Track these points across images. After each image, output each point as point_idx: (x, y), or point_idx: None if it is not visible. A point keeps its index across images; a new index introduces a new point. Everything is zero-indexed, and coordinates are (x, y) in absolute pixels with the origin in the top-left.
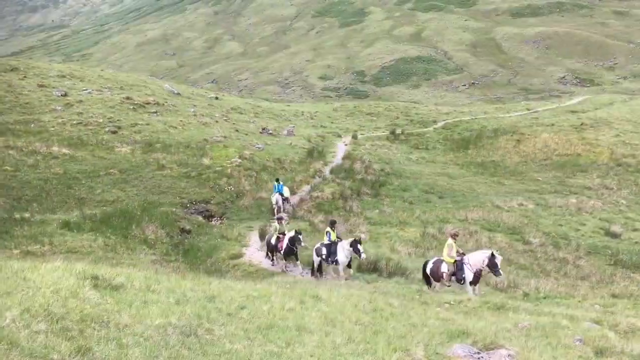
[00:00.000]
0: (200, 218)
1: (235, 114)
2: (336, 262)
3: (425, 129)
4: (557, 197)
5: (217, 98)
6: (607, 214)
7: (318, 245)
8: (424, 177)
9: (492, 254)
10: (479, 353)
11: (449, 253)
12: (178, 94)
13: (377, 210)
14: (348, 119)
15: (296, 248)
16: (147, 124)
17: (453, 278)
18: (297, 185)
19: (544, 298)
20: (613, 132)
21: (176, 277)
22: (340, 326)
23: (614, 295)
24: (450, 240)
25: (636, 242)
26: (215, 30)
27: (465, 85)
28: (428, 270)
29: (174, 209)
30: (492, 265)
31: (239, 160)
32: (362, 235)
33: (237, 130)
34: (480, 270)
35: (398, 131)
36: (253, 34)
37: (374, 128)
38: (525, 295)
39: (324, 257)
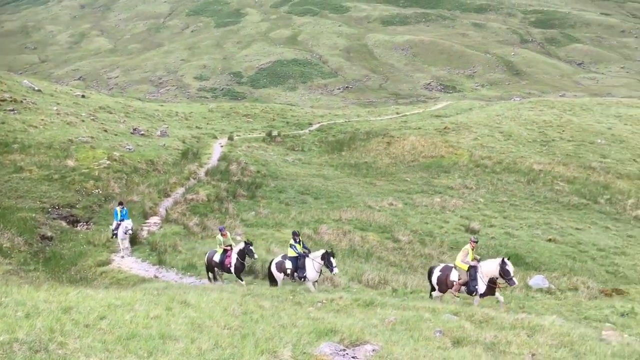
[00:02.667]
0: (63, 224)
1: (104, 114)
2: (304, 278)
3: (301, 131)
4: (423, 197)
5: (83, 96)
6: (467, 212)
7: (279, 259)
8: (299, 179)
9: (503, 260)
10: (344, 350)
11: (463, 259)
12: (39, 90)
13: (253, 212)
14: (224, 120)
15: (246, 263)
16: (3, 123)
17: (463, 289)
18: (170, 188)
19: (411, 293)
20: (472, 135)
21: (29, 288)
22: (208, 331)
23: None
24: (467, 246)
25: (492, 237)
26: (82, 25)
27: (340, 89)
28: (434, 279)
29: (33, 215)
30: (504, 272)
31: (108, 162)
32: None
33: (105, 131)
34: (496, 279)
35: (274, 133)
36: (124, 30)
37: (251, 130)
38: (394, 291)
39: (288, 272)
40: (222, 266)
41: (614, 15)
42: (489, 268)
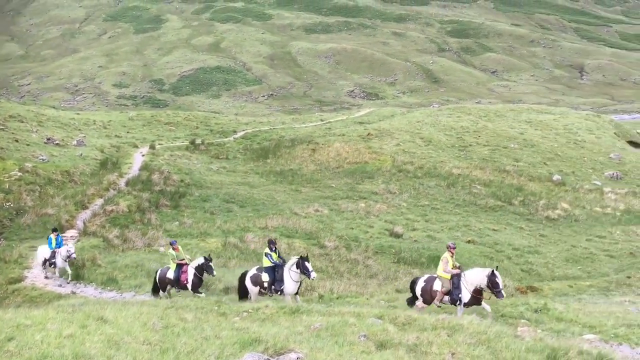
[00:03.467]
0: None
1: (15, 123)
2: (282, 291)
3: (226, 139)
4: (348, 202)
5: None
6: (391, 216)
7: (254, 271)
8: (224, 187)
9: (493, 272)
10: (269, 359)
11: (444, 268)
12: None
13: (177, 222)
14: (145, 128)
15: (202, 279)
16: None
17: (446, 298)
18: (88, 199)
19: (337, 298)
20: (394, 141)
21: None
22: (126, 348)
23: (397, 291)
24: (446, 254)
25: (415, 241)
26: None
27: (264, 96)
28: (418, 290)
29: None
30: (493, 284)
31: (19, 174)
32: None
33: (17, 141)
34: (481, 290)
35: (198, 141)
36: (36, 35)
37: (173, 138)
38: (321, 297)
39: (264, 285)
40: (178, 283)
41: (523, 26)
42: (475, 277)
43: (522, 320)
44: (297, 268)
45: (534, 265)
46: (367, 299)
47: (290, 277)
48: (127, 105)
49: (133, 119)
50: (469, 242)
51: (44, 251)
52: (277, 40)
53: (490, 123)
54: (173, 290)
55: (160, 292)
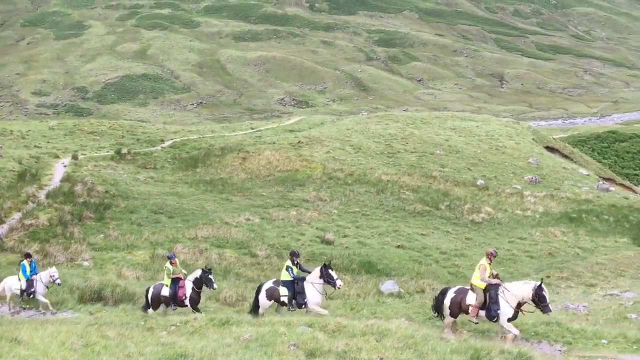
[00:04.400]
0: None
1: None
2: (306, 304)
3: (153, 148)
4: (280, 211)
5: None
6: (322, 223)
7: (270, 284)
8: (152, 198)
9: (540, 285)
10: None
11: (481, 276)
12: None
13: (102, 235)
14: (67, 138)
15: (201, 293)
16: None
17: (481, 313)
18: (5, 213)
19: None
20: (325, 149)
21: None
22: None
23: (330, 298)
24: (484, 261)
25: (346, 247)
26: None
27: (193, 104)
28: (447, 301)
29: None
30: (540, 298)
31: None
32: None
33: None
34: (521, 304)
35: (124, 151)
36: None
37: (98, 148)
38: None
39: (284, 300)
40: (175, 299)
41: (446, 36)
42: (519, 291)
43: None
44: (320, 278)
45: (461, 267)
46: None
47: (315, 289)
48: (47, 114)
49: (54, 128)
50: (398, 247)
51: (13, 282)
52: (205, 47)
53: (417, 130)
54: (168, 309)
55: (150, 310)
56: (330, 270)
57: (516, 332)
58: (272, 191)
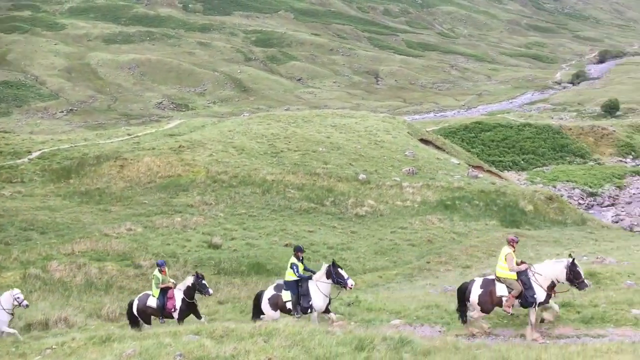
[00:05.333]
0: None
1: None
2: (311, 308)
3: (19, 161)
4: (163, 218)
5: None
6: (208, 228)
7: (272, 291)
8: (21, 214)
9: (573, 262)
10: None
11: (510, 266)
12: None
13: None
14: None
15: (196, 301)
16: None
17: (516, 302)
18: None
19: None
20: (207, 152)
21: None
22: None
23: (220, 302)
24: (506, 249)
25: (234, 250)
26: None
27: (63, 111)
28: (474, 297)
29: None
30: (575, 275)
31: None
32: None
33: None
34: (554, 286)
35: None
36: None
37: None
38: None
39: (287, 307)
40: (163, 311)
41: (322, 36)
42: (552, 271)
43: (337, 315)
44: (328, 278)
45: (347, 260)
46: None
47: (320, 290)
48: None
49: None
50: (286, 245)
51: None
52: (73, 51)
53: (299, 129)
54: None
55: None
56: (339, 269)
57: (533, 315)
58: (154, 198)
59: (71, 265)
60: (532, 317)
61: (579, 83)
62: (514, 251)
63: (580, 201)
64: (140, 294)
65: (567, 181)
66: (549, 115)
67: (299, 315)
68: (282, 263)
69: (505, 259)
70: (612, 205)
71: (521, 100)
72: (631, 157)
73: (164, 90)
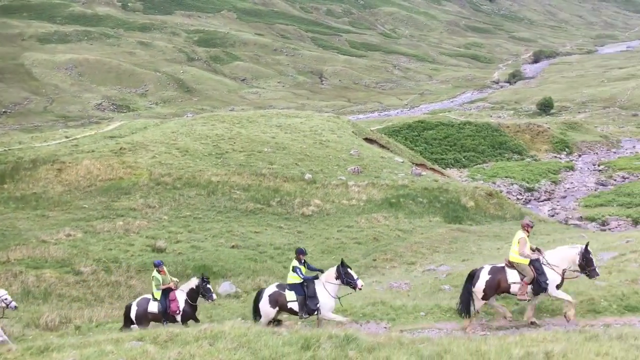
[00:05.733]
0: None
1: None
2: (318, 310)
3: None
4: (104, 222)
5: None
6: (152, 231)
7: (273, 288)
8: None
9: (587, 248)
10: None
11: (522, 251)
12: None
13: None
14: None
15: (197, 307)
16: None
17: (529, 289)
18: None
19: (97, 327)
20: (150, 154)
21: None
22: None
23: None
24: (520, 233)
25: (179, 253)
26: None
27: None
28: (482, 284)
29: None
30: (588, 262)
31: None
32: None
33: None
34: (563, 272)
35: None
36: None
37: None
38: (77, 328)
39: (293, 306)
40: (166, 315)
41: (266, 36)
42: (564, 257)
43: (284, 316)
44: (337, 279)
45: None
46: None
47: (327, 291)
48: None
49: None
50: (233, 247)
51: None
52: (6, 51)
53: (243, 129)
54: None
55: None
56: (349, 269)
57: (569, 297)
58: (94, 202)
59: (6, 274)
60: (559, 294)
61: (515, 82)
62: (527, 236)
63: (519, 196)
64: (138, 298)
65: (506, 177)
66: (488, 114)
67: (306, 317)
68: (228, 265)
69: (518, 243)
70: (548, 199)
71: (461, 99)
72: (565, 153)
73: (103, 91)
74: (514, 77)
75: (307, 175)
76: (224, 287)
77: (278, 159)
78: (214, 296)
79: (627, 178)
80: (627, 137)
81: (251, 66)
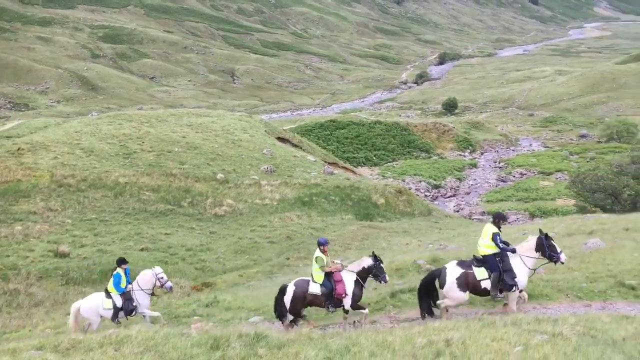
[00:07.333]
0: None
1: None
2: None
3: None
4: (1, 227)
5: None
6: (54, 236)
7: (300, 281)
8: None
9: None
10: None
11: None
12: None
13: None
14: None
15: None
16: None
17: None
18: None
19: None
20: (51, 155)
21: None
22: None
23: (68, 314)
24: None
25: (85, 258)
26: None
27: None
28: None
29: None
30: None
31: None
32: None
33: None
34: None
35: None
36: None
37: None
38: None
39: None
40: (331, 298)
41: (175, 33)
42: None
43: (195, 317)
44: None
45: (207, 262)
46: (31, 330)
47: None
48: None
49: None
50: (142, 249)
51: (97, 302)
52: None
53: (152, 129)
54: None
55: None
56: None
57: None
58: None
59: None
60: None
61: (422, 83)
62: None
63: (427, 193)
64: (297, 279)
65: (415, 175)
66: (397, 113)
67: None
68: (138, 268)
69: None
70: (454, 196)
71: (371, 99)
72: (469, 151)
73: None
74: (421, 78)
75: (219, 175)
76: None
77: (189, 158)
78: (387, 278)
79: (525, 174)
80: (524, 135)
81: (160, 64)
